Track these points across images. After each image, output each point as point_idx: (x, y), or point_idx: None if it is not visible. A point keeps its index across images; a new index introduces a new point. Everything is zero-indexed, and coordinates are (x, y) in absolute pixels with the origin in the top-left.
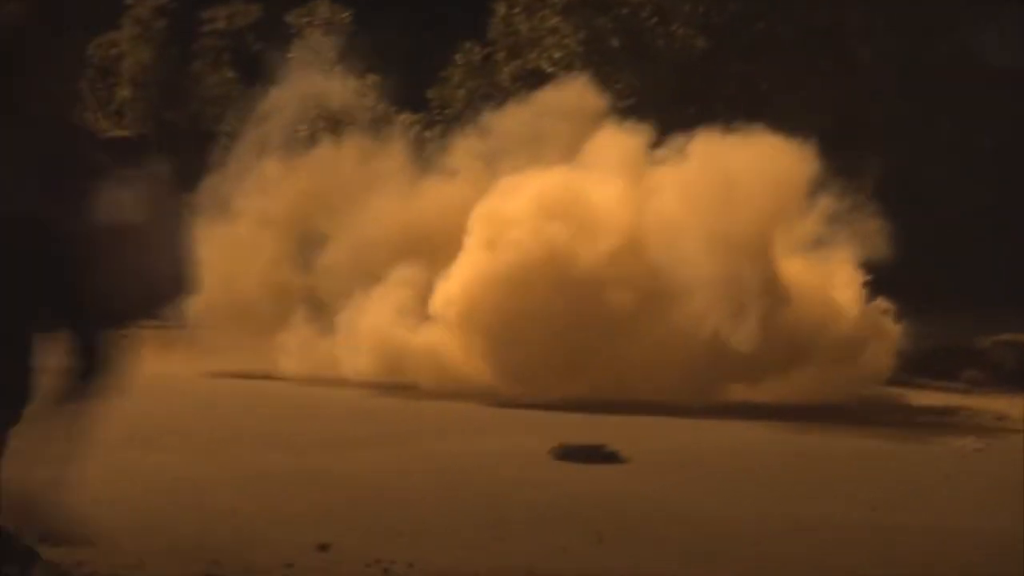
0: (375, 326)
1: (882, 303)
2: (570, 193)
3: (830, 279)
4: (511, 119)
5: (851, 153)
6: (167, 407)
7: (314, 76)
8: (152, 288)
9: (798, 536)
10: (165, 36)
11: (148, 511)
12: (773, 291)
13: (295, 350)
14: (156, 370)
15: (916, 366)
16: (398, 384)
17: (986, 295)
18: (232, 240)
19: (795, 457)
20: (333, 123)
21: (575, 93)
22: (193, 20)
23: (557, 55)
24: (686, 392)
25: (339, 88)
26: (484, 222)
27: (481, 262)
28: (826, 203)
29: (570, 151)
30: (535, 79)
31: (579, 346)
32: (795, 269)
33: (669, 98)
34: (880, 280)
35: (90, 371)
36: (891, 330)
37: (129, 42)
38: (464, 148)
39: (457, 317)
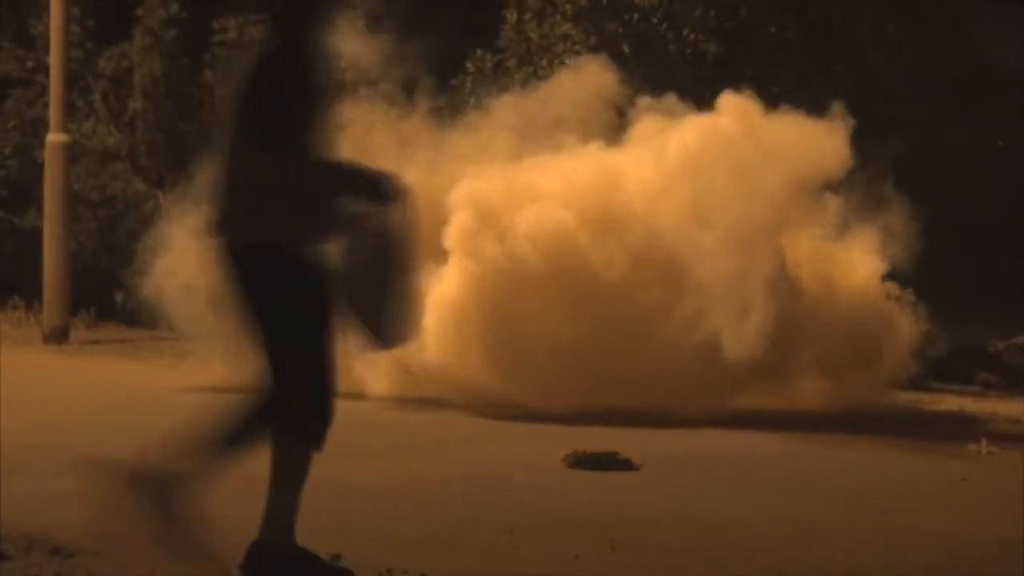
0: None
1: (896, 289)
2: (585, 177)
3: (848, 271)
4: (527, 105)
5: (864, 148)
6: (173, 418)
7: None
8: (386, 321)
9: (809, 541)
10: (176, 47)
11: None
12: (784, 289)
13: None
14: (162, 382)
15: (929, 370)
16: (414, 396)
17: (999, 297)
18: None
19: (806, 463)
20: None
21: (593, 76)
22: (204, 30)
23: (568, 62)
24: (698, 399)
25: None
26: (474, 207)
27: (478, 256)
28: (848, 195)
29: (590, 135)
30: None
31: (588, 352)
32: (812, 260)
33: (681, 103)
34: (894, 280)
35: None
36: (907, 332)
37: (140, 53)
38: (487, 129)
39: (453, 322)
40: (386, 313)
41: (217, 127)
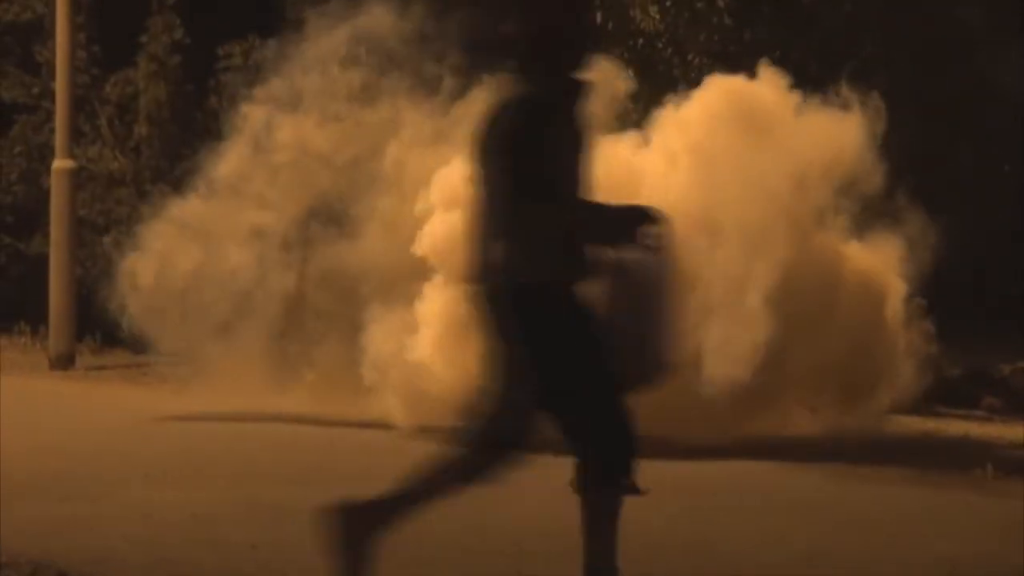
0: (399, 351)
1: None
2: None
3: (858, 279)
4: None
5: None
6: (178, 444)
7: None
8: (648, 361)
9: (815, 565)
10: (180, 73)
11: (166, 548)
12: (785, 301)
13: (311, 385)
14: (166, 408)
15: (934, 393)
16: (436, 425)
17: (1005, 321)
18: (212, 226)
19: (811, 488)
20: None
21: (602, 75)
22: (208, 56)
23: None
24: (701, 425)
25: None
26: (457, 201)
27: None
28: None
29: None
30: None
31: None
32: (820, 262)
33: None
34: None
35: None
36: (914, 353)
37: (145, 79)
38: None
39: (454, 343)
40: (650, 350)
41: (476, 172)
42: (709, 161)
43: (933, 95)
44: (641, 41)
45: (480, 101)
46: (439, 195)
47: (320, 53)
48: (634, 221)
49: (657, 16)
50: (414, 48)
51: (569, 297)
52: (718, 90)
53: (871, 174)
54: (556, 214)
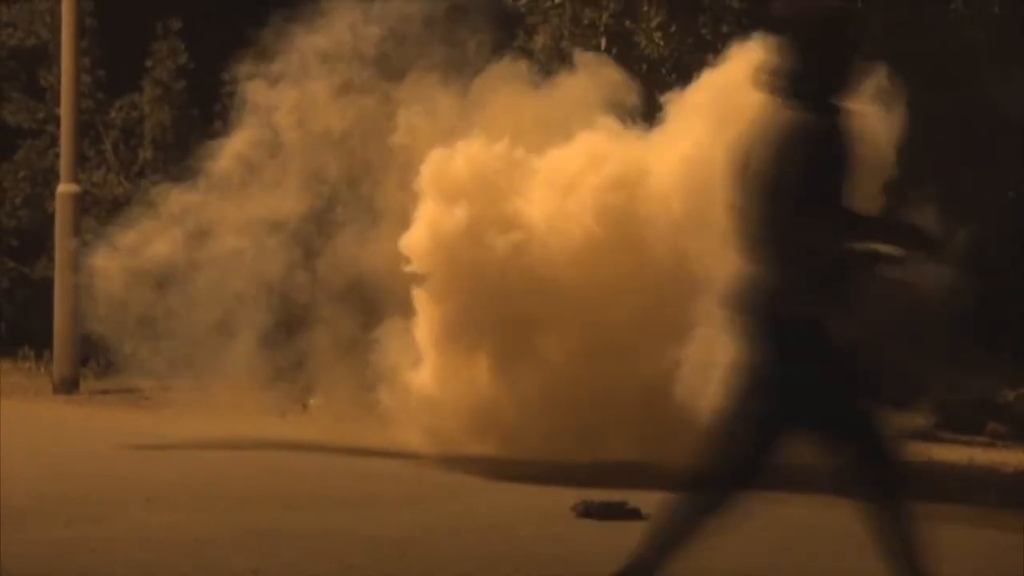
0: (407, 370)
1: None
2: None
3: None
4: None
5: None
6: (180, 469)
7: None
8: (911, 383)
9: None
10: (185, 97)
11: (166, 572)
12: None
13: (316, 409)
14: (168, 432)
15: (937, 419)
16: (446, 450)
17: (1009, 347)
18: (203, 223)
19: (813, 515)
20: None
21: (604, 75)
22: (213, 81)
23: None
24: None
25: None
26: (459, 194)
27: (461, 254)
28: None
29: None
30: None
31: (622, 400)
32: None
33: None
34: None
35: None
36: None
37: (150, 103)
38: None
39: (445, 347)
40: (913, 371)
41: (740, 204)
42: (710, 153)
43: (936, 116)
44: (646, 67)
45: (496, 82)
46: (434, 187)
47: (329, 35)
48: (914, 239)
49: (662, 43)
50: (429, 29)
51: (830, 328)
52: (741, 64)
53: (883, 172)
54: (839, 231)
